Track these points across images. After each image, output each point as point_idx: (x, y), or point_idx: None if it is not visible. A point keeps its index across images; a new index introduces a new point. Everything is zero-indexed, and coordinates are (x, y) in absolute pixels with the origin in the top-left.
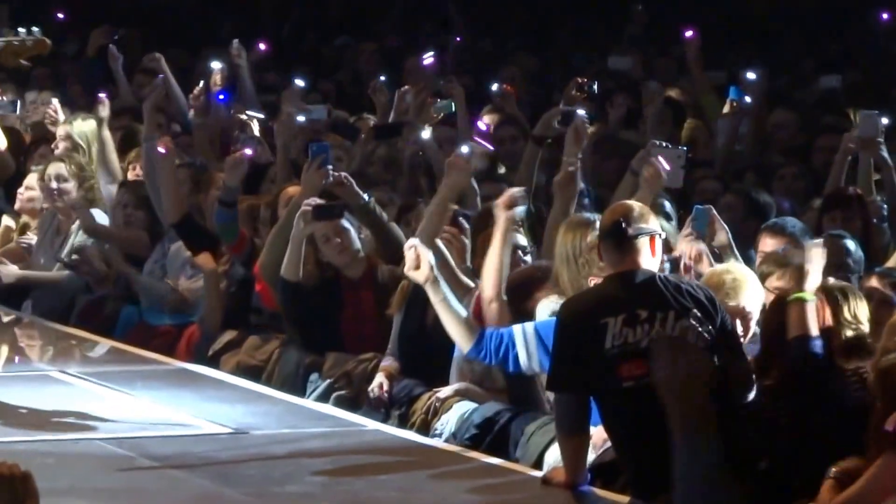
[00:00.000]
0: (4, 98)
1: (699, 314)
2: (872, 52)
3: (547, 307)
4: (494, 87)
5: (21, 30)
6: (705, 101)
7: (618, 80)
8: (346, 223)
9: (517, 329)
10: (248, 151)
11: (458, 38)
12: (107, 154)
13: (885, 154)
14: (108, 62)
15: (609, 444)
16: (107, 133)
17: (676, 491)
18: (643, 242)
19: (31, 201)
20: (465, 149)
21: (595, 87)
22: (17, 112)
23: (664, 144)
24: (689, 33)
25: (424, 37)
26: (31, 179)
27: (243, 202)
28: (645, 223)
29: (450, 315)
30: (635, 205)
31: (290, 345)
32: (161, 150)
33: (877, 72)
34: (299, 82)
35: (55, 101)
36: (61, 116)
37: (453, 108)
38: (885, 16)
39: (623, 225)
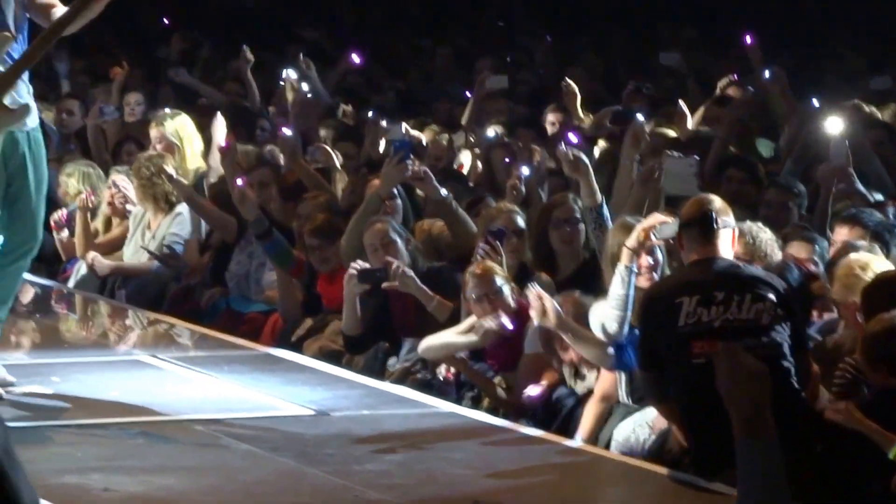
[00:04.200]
0: (111, 106)
1: (775, 300)
2: None
3: (596, 309)
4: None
5: None
6: (776, 104)
7: (669, 76)
8: (393, 234)
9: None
10: (239, 182)
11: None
12: (215, 157)
13: (859, 184)
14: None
15: (666, 426)
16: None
17: (739, 490)
18: (727, 234)
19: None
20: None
21: (648, 88)
22: (127, 118)
23: (677, 154)
24: (748, 40)
25: (493, 39)
26: (118, 178)
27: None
28: (728, 216)
29: (585, 346)
30: (716, 198)
31: None
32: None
33: None
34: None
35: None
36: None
37: (507, 84)
38: None
39: (713, 216)
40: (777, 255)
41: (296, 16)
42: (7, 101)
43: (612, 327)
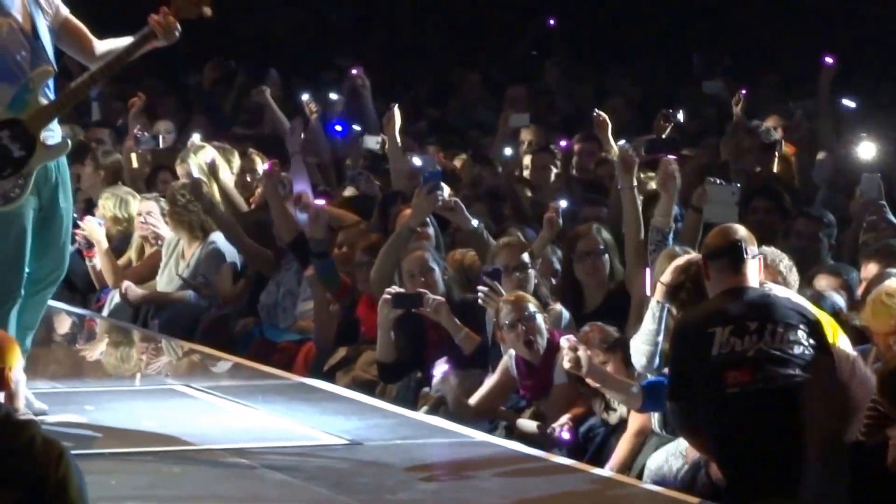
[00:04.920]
0: (146, 133)
1: (807, 329)
2: None
3: (634, 340)
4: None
5: None
6: (822, 128)
7: (711, 104)
8: (432, 262)
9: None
10: (321, 202)
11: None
12: (229, 192)
13: (891, 216)
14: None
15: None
16: (225, 172)
17: None
18: (754, 263)
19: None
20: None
21: (679, 116)
22: (161, 146)
23: (718, 181)
24: (828, 60)
25: (525, 66)
26: (145, 206)
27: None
28: (753, 245)
29: (616, 391)
30: (741, 227)
31: None
32: (265, 166)
33: None
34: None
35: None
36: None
37: (528, 122)
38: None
39: (742, 246)
40: (794, 279)
41: (328, 43)
42: (43, 135)
43: (641, 361)
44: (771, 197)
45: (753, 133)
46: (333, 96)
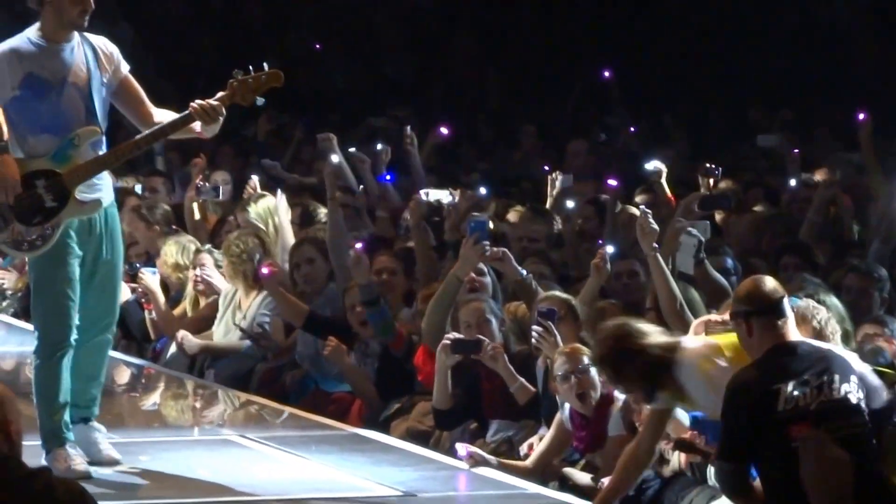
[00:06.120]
0: (207, 184)
1: (858, 381)
2: None
3: None
4: (649, 165)
5: (250, 68)
6: (873, 182)
7: (763, 159)
8: (489, 314)
9: None
10: (359, 246)
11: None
12: (283, 237)
13: None
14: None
15: None
16: (283, 218)
17: None
18: (793, 315)
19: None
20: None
21: (719, 171)
22: (220, 197)
23: (691, 231)
24: (861, 116)
25: (588, 120)
26: (200, 258)
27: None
28: (787, 296)
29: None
30: (772, 280)
31: None
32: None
33: None
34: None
35: (254, 179)
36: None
37: (572, 182)
38: None
39: (785, 300)
40: (830, 331)
41: (385, 95)
42: (79, 191)
43: None
44: (800, 253)
45: (806, 186)
46: (379, 146)
